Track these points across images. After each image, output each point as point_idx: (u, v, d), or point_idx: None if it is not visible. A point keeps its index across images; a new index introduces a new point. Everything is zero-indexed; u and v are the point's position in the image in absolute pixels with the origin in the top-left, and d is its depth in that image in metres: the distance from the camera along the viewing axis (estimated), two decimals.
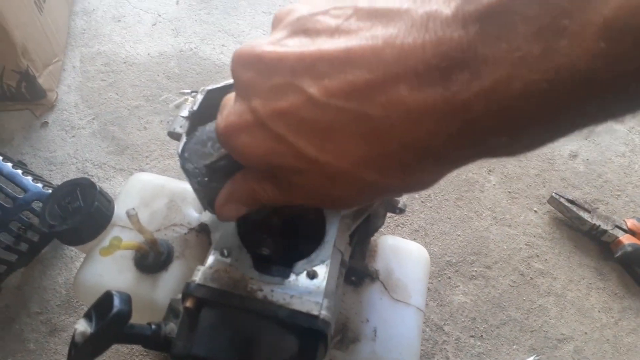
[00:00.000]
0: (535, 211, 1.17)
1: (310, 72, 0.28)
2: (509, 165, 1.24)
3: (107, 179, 1.15)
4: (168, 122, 1.26)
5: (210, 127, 0.45)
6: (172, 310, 0.51)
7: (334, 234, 0.51)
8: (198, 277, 0.48)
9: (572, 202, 1.12)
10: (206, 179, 0.42)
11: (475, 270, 1.08)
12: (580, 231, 1.14)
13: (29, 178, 0.96)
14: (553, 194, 1.14)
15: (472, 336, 1.00)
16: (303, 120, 0.29)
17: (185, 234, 0.68)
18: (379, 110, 0.26)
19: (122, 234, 0.65)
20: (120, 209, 0.65)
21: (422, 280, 0.69)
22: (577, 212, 1.11)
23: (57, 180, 1.15)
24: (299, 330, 0.46)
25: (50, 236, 0.99)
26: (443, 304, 1.03)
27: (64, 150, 1.21)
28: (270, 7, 1.55)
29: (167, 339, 0.48)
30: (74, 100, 1.31)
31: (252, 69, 0.31)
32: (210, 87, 0.58)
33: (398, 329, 0.64)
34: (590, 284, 1.09)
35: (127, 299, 0.45)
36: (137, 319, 0.52)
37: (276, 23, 0.33)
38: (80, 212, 0.62)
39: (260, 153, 0.31)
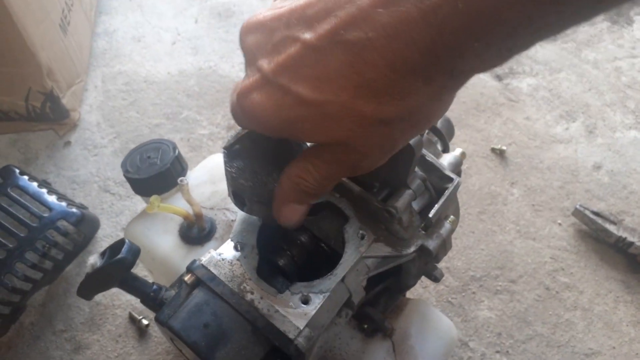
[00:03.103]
0: (560, 224, 1.16)
1: (301, 20, 0.32)
2: (532, 177, 1.22)
3: (128, 197, 1.17)
4: (189, 139, 1.28)
5: None
6: (179, 281, 0.52)
7: (345, 269, 0.51)
8: (205, 258, 0.51)
9: (597, 214, 1.11)
10: (240, 173, 0.43)
11: (500, 285, 1.06)
12: (606, 243, 1.12)
13: (54, 197, 0.97)
14: (577, 206, 1.12)
15: (497, 352, 0.99)
16: (300, 66, 0.32)
17: (232, 220, 0.70)
18: (361, 34, 0.29)
19: (183, 200, 0.68)
20: (189, 178, 0.71)
21: (437, 358, 0.64)
22: (603, 224, 1.09)
23: (80, 199, 1.16)
24: (269, 346, 0.47)
25: (73, 254, 1.00)
26: (468, 319, 1.02)
27: (86, 169, 1.23)
28: None
29: (161, 302, 0.50)
30: (95, 119, 1.33)
31: (255, 34, 0.35)
32: None
33: None
34: (618, 297, 1.06)
35: (135, 251, 0.50)
36: (158, 278, 0.53)
37: None
38: (153, 168, 0.69)
39: (270, 109, 0.34)
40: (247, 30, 0.36)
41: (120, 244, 0.50)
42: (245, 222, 0.54)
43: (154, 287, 0.51)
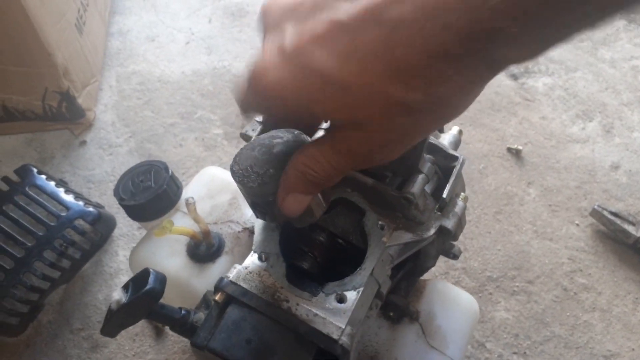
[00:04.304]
0: (577, 224, 1.15)
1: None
2: (549, 177, 1.21)
3: None
4: (203, 139, 1.28)
5: (263, 135, 0.46)
6: (205, 301, 0.52)
7: (372, 262, 0.51)
8: (232, 274, 0.50)
9: (615, 214, 1.09)
10: (246, 180, 0.42)
11: (517, 286, 1.05)
12: (624, 244, 1.10)
13: (71, 196, 0.98)
14: (595, 206, 1.11)
15: (515, 353, 0.98)
16: (328, 40, 0.31)
17: (239, 231, 0.70)
18: (397, 12, 0.28)
19: (183, 220, 0.67)
20: (186, 195, 0.69)
21: (464, 332, 0.66)
22: (621, 224, 1.08)
23: (96, 198, 1.16)
24: (315, 350, 0.46)
25: (91, 253, 1.00)
26: (484, 320, 1.01)
27: (102, 169, 1.23)
28: None
29: (192, 326, 0.49)
30: (110, 119, 1.33)
31: (279, 12, 0.34)
32: None
33: None
34: (637, 298, 1.05)
35: (162, 279, 0.47)
36: (174, 302, 0.53)
37: None
38: (149, 192, 0.66)
39: (290, 88, 0.32)
40: (271, 9, 0.35)
41: (144, 274, 0.48)
42: (265, 231, 0.54)
43: (182, 312, 0.50)
